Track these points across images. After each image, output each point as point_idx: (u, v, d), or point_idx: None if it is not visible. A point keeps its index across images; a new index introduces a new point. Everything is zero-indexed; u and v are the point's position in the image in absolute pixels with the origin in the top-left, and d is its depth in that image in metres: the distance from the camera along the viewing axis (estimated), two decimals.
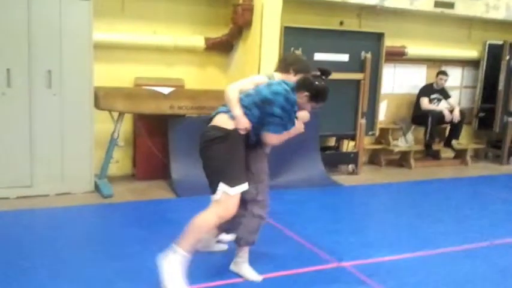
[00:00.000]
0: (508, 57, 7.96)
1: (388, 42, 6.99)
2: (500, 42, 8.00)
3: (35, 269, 3.46)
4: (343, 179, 6.55)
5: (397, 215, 5.29)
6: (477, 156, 8.59)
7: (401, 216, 5.25)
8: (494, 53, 8.03)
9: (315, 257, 3.91)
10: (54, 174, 5.19)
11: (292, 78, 3.53)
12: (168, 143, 5.76)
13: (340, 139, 7.12)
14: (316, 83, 3.30)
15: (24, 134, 5.03)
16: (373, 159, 7.69)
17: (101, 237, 4.26)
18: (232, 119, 3.24)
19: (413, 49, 7.50)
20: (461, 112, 7.51)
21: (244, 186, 3.27)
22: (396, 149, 7.50)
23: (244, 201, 3.36)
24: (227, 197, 3.21)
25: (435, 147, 7.74)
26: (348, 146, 7.12)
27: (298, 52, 6.08)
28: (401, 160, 7.65)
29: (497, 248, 4.30)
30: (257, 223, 3.43)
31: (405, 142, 7.68)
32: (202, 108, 5.63)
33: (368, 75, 6.74)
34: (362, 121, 6.82)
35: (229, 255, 3.62)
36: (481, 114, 8.21)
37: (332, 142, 7.22)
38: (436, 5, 7.15)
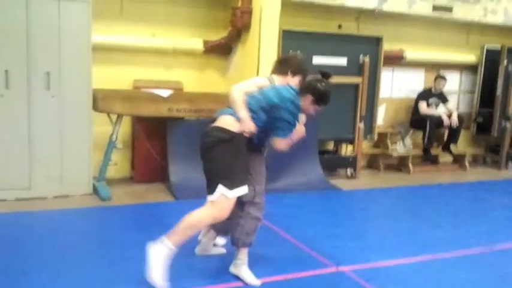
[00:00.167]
0: (506, 62, 7.96)
1: (387, 46, 7.00)
2: (498, 47, 8.01)
3: (34, 271, 3.45)
4: (341, 183, 6.55)
5: (396, 220, 5.28)
6: (475, 161, 8.61)
7: (400, 221, 5.24)
8: (492, 58, 8.03)
9: (313, 261, 3.90)
10: (52, 177, 5.17)
11: (291, 80, 3.54)
12: (167, 145, 5.75)
13: (338, 143, 7.11)
14: (319, 86, 3.31)
15: (23, 136, 5.01)
16: (372, 163, 7.68)
17: (99, 240, 4.24)
18: (238, 121, 3.23)
19: (412, 53, 7.51)
20: (460, 117, 7.51)
21: (244, 190, 3.26)
22: (394, 154, 7.49)
23: (241, 202, 3.36)
24: (224, 199, 3.21)
25: (433, 151, 7.74)
26: (346, 150, 7.13)
27: (295, 53, 6.05)
28: (400, 164, 7.65)
29: (497, 254, 4.29)
30: (254, 225, 3.43)
31: (403, 146, 7.67)
32: (201, 111, 5.62)
33: (366, 79, 6.75)
34: (360, 125, 6.82)
35: (228, 258, 3.61)
36: (479, 119, 8.21)
37: (331, 146, 7.21)
38: (435, 9, 7.17)
